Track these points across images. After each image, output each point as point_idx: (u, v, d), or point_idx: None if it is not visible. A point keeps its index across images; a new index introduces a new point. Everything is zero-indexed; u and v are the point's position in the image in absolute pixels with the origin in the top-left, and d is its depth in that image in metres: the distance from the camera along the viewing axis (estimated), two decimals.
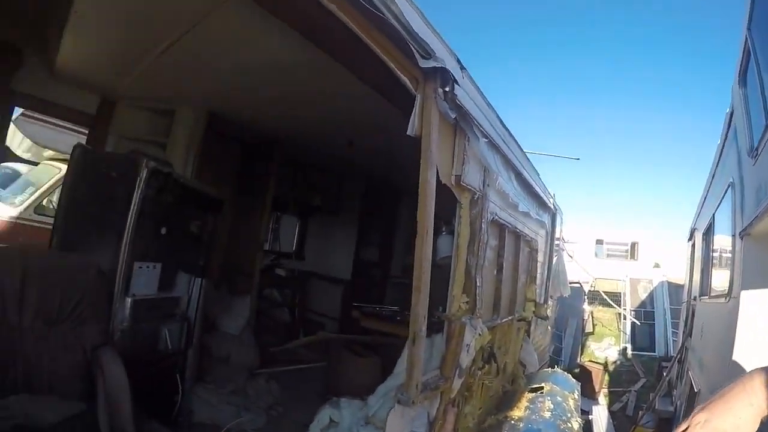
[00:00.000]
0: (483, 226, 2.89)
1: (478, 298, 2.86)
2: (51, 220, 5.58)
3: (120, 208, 2.84)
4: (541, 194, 4.88)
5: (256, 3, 2.29)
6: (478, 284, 2.85)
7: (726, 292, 3.15)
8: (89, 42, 3.39)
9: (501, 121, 3.33)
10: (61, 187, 3.27)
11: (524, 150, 4.07)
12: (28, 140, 7.02)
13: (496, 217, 3.27)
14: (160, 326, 3.27)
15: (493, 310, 3.54)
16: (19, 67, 3.80)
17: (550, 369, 5.67)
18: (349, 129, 4.60)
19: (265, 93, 3.96)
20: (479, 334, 2.84)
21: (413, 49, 2.10)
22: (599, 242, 20.71)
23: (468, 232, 2.80)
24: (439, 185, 2.43)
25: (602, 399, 7.33)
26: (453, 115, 2.40)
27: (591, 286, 15.54)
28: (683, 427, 0.91)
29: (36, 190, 6.36)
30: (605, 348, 12.08)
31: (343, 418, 2.95)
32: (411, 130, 2.21)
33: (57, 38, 3.25)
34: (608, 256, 20.22)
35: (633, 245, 19.95)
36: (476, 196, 2.85)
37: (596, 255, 19.92)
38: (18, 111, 5.86)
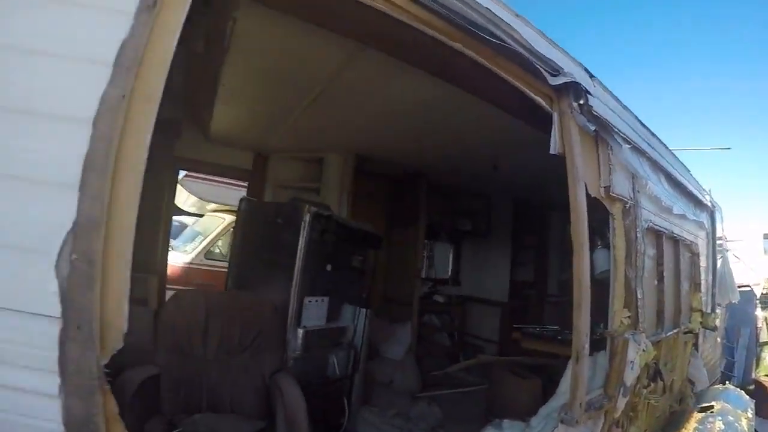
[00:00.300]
0: (638, 235, 2.77)
1: (640, 311, 2.73)
2: (219, 263, 6.49)
3: (288, 250, 3.21)
4: (696, 192, 4.48)
5: (385, 53, 2.47)
6: (639, 297, 2.72)
7: None
8: (238, 109, 3.91)
9: (641, 122, 3.18)
10: (228, 233, 3.77)
11: (665, 144, 3.81)
12: (193, 197, 8.05)
13: (651, 224, 3.10)
14: (328, 354, 3.56)
15: (656, 324, 3.32)
16: (180, 136, 4.41)
17: (720, 386, 5.06)
18: (492, 153, 4.65)
19: (405, 131, 4.19)
20: (643, 350, 2.70)
21: (541, 69, 2.14)
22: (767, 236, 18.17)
23: (624, 243, 2.70)
24: (589, 198, 2.41)
25: None
26: (592, 127, 2.38)
27: (764, 289, 13.60)
28: None
29: (204, 238, 7.26)
30: None
31: None
32: (553, 148, 2.23)
33: (210, 109, 3.78)
34: None
35: None
36: (628, 205, 2.74)
37: (766, 252, 17.48)
38: (182, 173, 6.75)
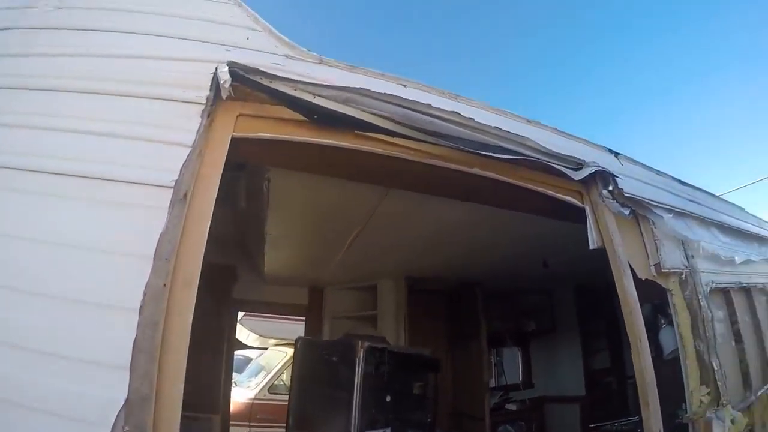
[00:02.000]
0: (702, 302, 2.57)
1: (719, 383, 2.46)
2: (283, 397, 6.44)
3: (346, 386, 3.18)
4: (758, 230, 4.15)
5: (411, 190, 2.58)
6: (715, 368, 2.46)
7: None
8: (286, 252, 4.13)
9: (679, 181, 3.07)
10: (289, 371, 3.80)
11: (711, 192, 3.61)
12: (254, 334, 8.34)
13: (715, 285, 2.87)
14: None
15: (744, 388, 2.98)
16: (236, 280, 4.70)
17: None
18: (540, 252, 4.59)
19: (450, 249, 4.29)
20: (731, 423, 2.39)
21: (562, 167, 2.17)
22: None
23: (687, 316, 2.50)
24: (643, 281, 2.31)
25: None
26: (627, 212, 2.33)
27: None
28: None
29: (267, 373, 7.36)
30: None
31: None
32: (592, 243, 2.19)
33: (261, 254, 4.00)
34: None
35: None
36: (684, 275, 2.56)
37: None
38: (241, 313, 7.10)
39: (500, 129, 2.04)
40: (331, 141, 1.80)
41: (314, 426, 3.28)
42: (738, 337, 3.11)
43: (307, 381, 3.64)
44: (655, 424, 2.03)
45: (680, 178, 3.17)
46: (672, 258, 2.53)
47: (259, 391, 7.18)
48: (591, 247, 2.18)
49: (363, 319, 5.01)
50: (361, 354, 3.21)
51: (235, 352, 8.10)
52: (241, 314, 6.94)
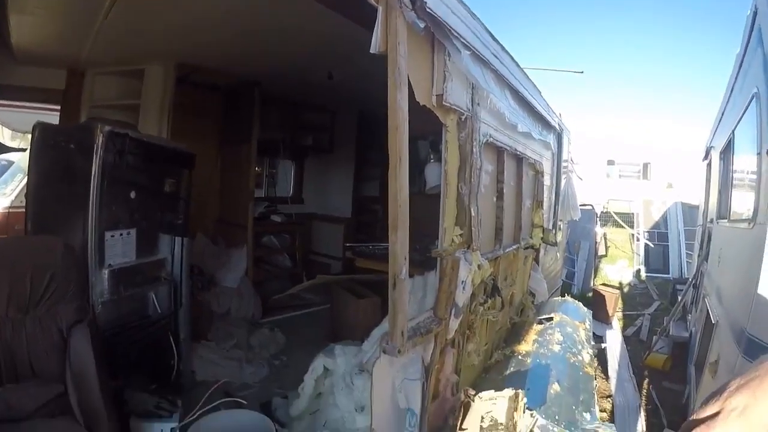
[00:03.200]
0: (475, 149, 2.58)
1: (474, 229, 2.58)
2: None
3: (82, 178, 2.70)
4: (544, 113, 4.47)
5: None
6: (473, 214, 2.56)
7: (749, 217, 2.83)
8: (34, 17, 3.21)
9: (490, 34, 2.94)
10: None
11: (522, 66, 3.67)
12: (8, 129, 7.01)
13: (491, 139, 2.94)
14: (145, 291, 3.19)
15: (494, 240, 3.29)
16: None
17: (560, 298, 5.49)
18: (326, 60, 4.30)
19: (229, 34, 3.72)
20: (477, 268, 2.61)
21: None
22: (610, 163, 20.26)
23: (457, 157, 2.48)
24: (422, 108, 2.15)
25: (616, 323, 7.19)
26: (422, 25, 2.02)
27: (603, 208, 15.22)
28: (713, 409, 0.61)
29: (24, 176, 6.18)
30: (619, 270, 11.89)
31: (338, 366, 2.84)
32: (374, 47, 1.88)
33: (5, 21, 3.15)
34: (620, 176, 19.81)
35: (645, 165, 19.51)
36: (464, 117, 2.51)
37: (608, 176, 19.51)
38: None
39: None
40: None
41: (53, 230, 2.75)
42: (500, 195, 3.32)
43: (46, 176, 2.99)
44: (401, 250, 1.99)
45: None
46: (457, 95, 2.42)
47: (15, 198, 6.13)
48: (372, 50, 1.87)
49: (126, 110, 4.25)
50: (100, 139, 2.68)
51: None
52: None
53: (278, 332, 4.51)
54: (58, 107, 4.53)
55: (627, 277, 11.55)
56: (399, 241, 1.98)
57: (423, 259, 2.79)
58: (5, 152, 7.22)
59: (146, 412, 2.55)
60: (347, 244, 5.02)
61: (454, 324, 2.52)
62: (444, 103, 2.29)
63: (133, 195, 2.99)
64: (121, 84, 4.39)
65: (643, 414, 4.18)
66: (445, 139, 2.40)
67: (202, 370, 3.71)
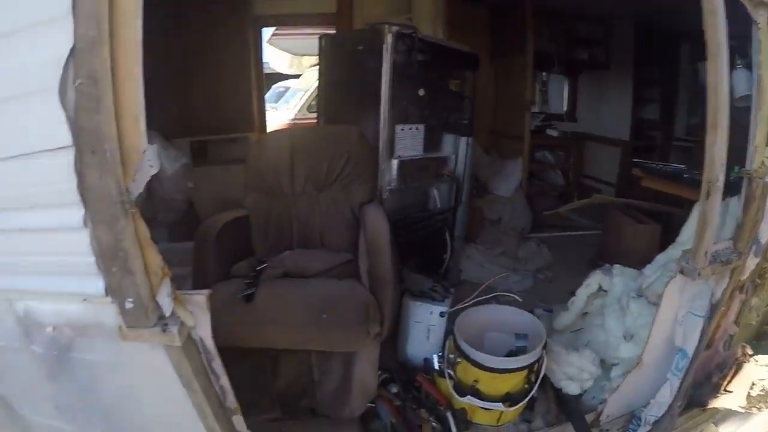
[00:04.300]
0: None
1: None
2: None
3: (374, 78, 2.93)
4: None
5: None
6: None
7: None
8: None
9: None
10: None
11: None
12: (287, 54, 8.16)
13: None
14: (428, 186, 3.40)
15: None
16: None
17: None
18: None
19: None
20: None
21: None
22: None
23: None
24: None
25: None
26: None
27: None
28: None
29: (305, 93, 7.51)
30: None
31: (614, 286, 2.72)
32: None
33: None
34: None
35: None
36: None
37: None
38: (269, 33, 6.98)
39: None
40: None
41: (345, 123, 3.15)
42: None
43: (335, 80, 3.41)
44: (718, 154, 1.78)
45: None
46: None
47: (298, 111, 7.44)
48: None
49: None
50: (389, 39, 2.86)
51: (275, 84, 8.47)
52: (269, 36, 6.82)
53: (544, 248, 4.51)
54: (330, 28, 5.02)
55: None
56: (717, 143, 1.77)
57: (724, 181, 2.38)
58: (282, 80, 8.67)
59: (421, 292, 2.76)
60: (634, 160, 4.55)
61: (751, 263, 2.15)
62: None
63: (421, 93, 3.15)
64: (391, 2, 4.63)
65: None
66: (757, 38, 1.92)
67: (469, 270, 3.95)
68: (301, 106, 7.50)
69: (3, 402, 1.66)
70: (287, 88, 8.39)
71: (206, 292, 1.34)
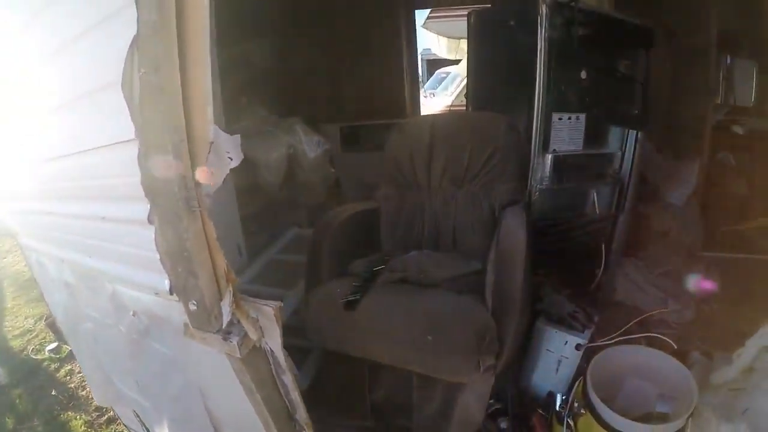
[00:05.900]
0: None
1: None
2: None
3: (526, 56, 2.48)
4: None
5: None
6: None
7: None
8: None
9: None
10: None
11: None
12: (444, 39, 7.83)
13: None
14: (586, 187, 2.89)
15: None
16: None
17: None
18: None
19: None
20: None
21: None
22: None
23: None
24: None
25: None
26: None
27: None
28: None
29: (463, 79, 7.14)
30: None
31: None
32: None
33: None
34: None
35: None
36: None
37: None
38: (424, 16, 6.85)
39: None
40: None
41: (494, 110, 2.73)
42: None
43: (482, 59, 3.00)
44: None
45: None
46: None
47: (456, 97, 7.17)
48: None
49: None
50: (543, 10, 2.37)
51: (438, 70, 8.51)
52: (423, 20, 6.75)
53: (716, 270, 3.62)
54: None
55: None
56: None
57: None
58: (442, 67, 8.49)
59: (558, 317, 2.35)
60: None
61: None
62: None
63: (583, 75, 2.60)
64: None
65: None
66: None
67: (623, 290, 3.33)
68: (459, 93, 7.30)
69: (99, 365, 1.78)
70: (448, 74, 8.31)
71: (276, 303, 1.23)
